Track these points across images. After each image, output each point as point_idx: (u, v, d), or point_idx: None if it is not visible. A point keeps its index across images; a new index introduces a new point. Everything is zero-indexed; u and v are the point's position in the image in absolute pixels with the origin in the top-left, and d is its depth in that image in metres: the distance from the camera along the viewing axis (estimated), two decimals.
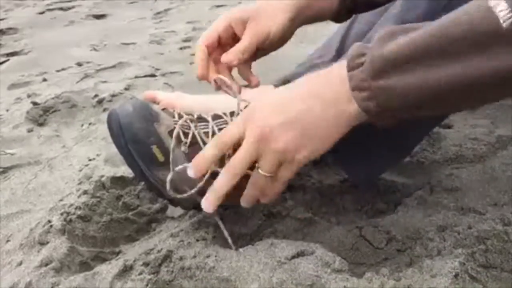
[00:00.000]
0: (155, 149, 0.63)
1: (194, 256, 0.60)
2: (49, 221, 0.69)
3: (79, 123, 1.11)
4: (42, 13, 2.34)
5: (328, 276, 0.54)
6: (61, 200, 0.77)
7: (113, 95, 1.20)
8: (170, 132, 0.64)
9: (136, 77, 1.36)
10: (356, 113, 0.53)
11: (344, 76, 0.53)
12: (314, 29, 1.65)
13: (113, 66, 1.48)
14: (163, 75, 1.38)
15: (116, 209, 0.74)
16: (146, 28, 1.91)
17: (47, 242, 0.66)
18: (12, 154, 0.99)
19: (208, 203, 0.58)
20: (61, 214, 0.70)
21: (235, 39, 0.73)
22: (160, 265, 0.60)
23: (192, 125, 0.65)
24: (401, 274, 0.56)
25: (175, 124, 0.65)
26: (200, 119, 0.67)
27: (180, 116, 0.67)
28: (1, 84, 1.43)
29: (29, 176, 0.90)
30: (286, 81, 0.94)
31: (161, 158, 0.63)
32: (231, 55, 0.70)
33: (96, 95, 1.20)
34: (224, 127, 0.63)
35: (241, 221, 0.69)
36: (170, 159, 0.60)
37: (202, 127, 0.66)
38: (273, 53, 1.55)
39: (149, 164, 0.63)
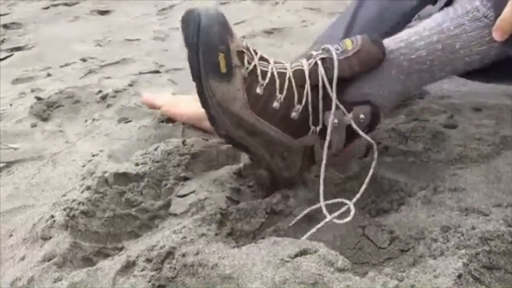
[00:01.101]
0: (221, 57, 0.64)
1: (197, 253, 0.60)
2: (52, 216, 0.69)
3: (83, 118, 1.11)
4: (46, 8, 2.34)
5: (331, 275, 0.54)
6: (64, 195, 0.77)
7: (117, 91, 1.20)
8: (238, 52, 0.66)
9: (140, 73, 1.36)
10: None
11: None
12: (318, 28, 1.64)
13: (117, 62, 1.48)
14: (167, 71, 1.38)
15: (119, 205, 0.73)
16: (151, 24, 1.91)
17: (50, 237, 0.66)
18: (16, 149, 0.99)
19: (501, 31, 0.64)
20: (64, 209, 0.70)
21: None
22: (162, 261, 0.60)
23: (256, 57, 0.68)
24: (404, 274, 0.55)
25: (244, 48, 0.68)
26: (262, 58, 0.70)
27: (247, 49, 0.69)
28: (5, 78, 1.43)
29: (32, 171, 0.90)
30: None
31: (223, 68, 0.65)
32: None
33: (100, 91, 1.20)
34: (283, 71, 0.68)
35: (243, 218, 0.69)
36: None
37: (262, 65, 0.69)
38: (278, 53, 1.54)
39: (209, 70, 0.65)
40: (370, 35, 0.70)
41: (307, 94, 0.69)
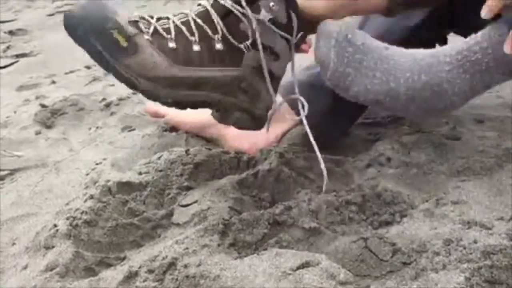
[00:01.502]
0: (116, 34, 0.64)
1: (199, 264, 0.60)
2: (55, 225, 0.70)
3: (87, 126, 1.12)
4: (51, 15, 2.35)
5: None
6: (67, 204, 0.78)
7: (120, 99, 1.20)
8: (131, 22, 0.65)
9: None
10: None
11: None
12: None
13: None
14: None
15: (122, 214, 0.74)
16: None
17: (53, 247, 0.66)
18: (19, 156, 0.99)
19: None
20: (67, 218, 0.70)
21: None
22: (164, 272, 0.60)
23: (152, 20, 0.67)
24: (406, 287, 0.55)
25: (136, 18, 0.67)
26: (160, 18, 0.70)
27: (141, 17, 0.69)
28: (10, 85, 1.44)
29: (36, 179, 0.90)
30: (289, 84, 0.94)
31: (124, 43, 0.64)
32: None
33: (104, 99, 1.21)
34: (185, 19, 0.69)
35: (246, 229, 0.69)
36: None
37: (162, 23, 0.68)
38: None
39: (112, 52, 0.64)
40: None
41: (218, 22, 0.70)
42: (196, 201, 0.75)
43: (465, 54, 0.73)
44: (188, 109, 0.93)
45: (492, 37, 0.72)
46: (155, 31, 0.68)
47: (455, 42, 0.77)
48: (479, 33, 0.74)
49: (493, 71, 0.73)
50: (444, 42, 0.98)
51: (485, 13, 0.69)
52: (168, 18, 0.70)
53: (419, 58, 0.75)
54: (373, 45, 0.75)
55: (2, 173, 0.93)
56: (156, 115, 1.01)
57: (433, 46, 1.00)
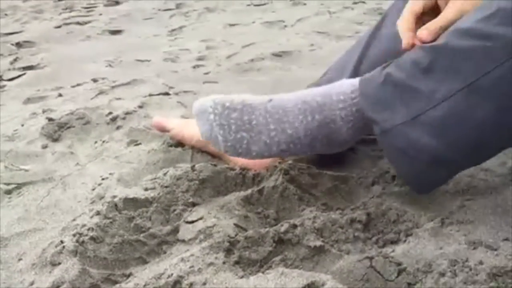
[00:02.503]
0: None
1: (204, 283, 0.60)
2: (62, 242, 0.70)
3: (93, 140, 1.12)
4: (59, 27, 2.38)
5: None
6: (73, 220, 0.78)
7: (126, 113, 1.21)
8: None
9: (150, 95, 1.38)
10: None
11: None
12: (326, 51, 1.66)
13: (128, 83, 1.50)
14: (177, 93, 1.39)
15: (128, 230, 0.74)
16: (161, 45, 1.94)
17: (59, 263, 0.67)
18: (26, 170, 1.00)
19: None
20: (74, 235, 0.70)
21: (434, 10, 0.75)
22: None
23: None
24: None
25: None
26: None
27: None
28: (17, 98, 1.46)
29: (42, 193, 0.91)
30: None
31: None
32: (431, 32, 0.71)
33: (110, 113, 1.22)
34: None
35: (251, 247, 0.69)
36: None
37: None
38: (287, 76, 1.56)
39: None
40: None
41: None
42: (201, 218, 0.76)
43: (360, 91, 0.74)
44: (195, 128, 0.94)
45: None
46: None
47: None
48: (377, 69, 0.74)
49: None
50: None
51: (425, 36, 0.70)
52: None
53: (309, 100, 0.76)
54: (255, 103, 0.77)
55: (9, 187, 0.93)
56: (162, 129, 1.02)
57: None
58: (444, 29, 0.70)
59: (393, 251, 0.67)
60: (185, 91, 1.41)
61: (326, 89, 0.77)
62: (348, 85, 0.76)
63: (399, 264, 0.63)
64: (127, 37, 2.16)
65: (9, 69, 1.77)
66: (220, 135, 0.77)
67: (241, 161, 0.90)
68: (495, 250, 0.64)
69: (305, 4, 2.39)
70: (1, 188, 0.92)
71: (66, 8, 2.75)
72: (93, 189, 0.88)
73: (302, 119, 0.75)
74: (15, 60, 1.88)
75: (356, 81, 0.75)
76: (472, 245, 0.65)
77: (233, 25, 2.16)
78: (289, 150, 0.77)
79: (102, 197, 0.83)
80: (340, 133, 0.75)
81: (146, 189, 0.83)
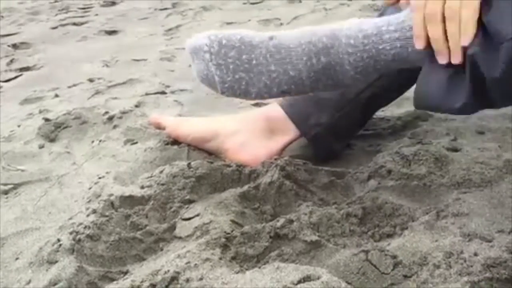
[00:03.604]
0: None
1: (201, 279, 0.60)
2: (58, 240, 0.70)
3: (90, 139, 1.12)
4: (55, 28, 2.37)
5: None
6: (70, 218, 0.78)
7: (123, 112, 1.21)
8: None
9: (146, 94, 1.38)
10: None
11: None
12: None
13: (124, 83, 1.50)
14: (173, 92, 1.39)
15: (124, 228, 0.74)
16: (157, 45, 1.94)
17: (56, 261, 0.67)
18: (23, 171, 1.00)
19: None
20: (70, 233, 0.71)
21: None
22: (167, 286, 0.61)
23: None
24: None
25: None
26: None
27: None
28: (14, 99, 1.46)
29: (39, 193, 0.91)
30: (292, 98, 0.95)
31: None
32: None
33: (106, 112, 1.22)
34: None
35: (247, 242, 0.70)
36: None
37: None
38: None
39: None
40: None
41: None
42: (198, 215, 0.76)
43: (373, 40, 0.69)
44: (191, 126, 0.94)
45: (407, 31, 0.68)
46: None
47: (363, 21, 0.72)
48: (393, 21, 0.69)
49: (395, 65, 0.70)
50: None
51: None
52: None
53: (315, 40, 0.71)
54: (255, 40, 0.71)
55: (6, 187, 0.93)
56: (158, 127, 1.02)
57: None
58: None
59: (388, 244, 0.68)
60: (181, 90, 1.41)
61: (333, 30, 0.72)
62: (356, 29, 0.71)
63: (394, 257, 0.64)
64: (123, 37, 2.15)
65: (5, 71, 1.77)
66: (217, 76, 0.72)
67: (237, 157, 0.90)
68: (490, 242, 0.64)
69: (300, 1, 2.39)
70: None
71: (62, 9, 2.75)
72: (90, 188, 0.88)
73: (306, 60, 0.70)
74: (11, 61, 1.88)
75: (372, 28, 0.70)
76: (467, 237, 0.66)
77: (230, 23, 2.15)
78: (290, 91, 0.73)
79: (98, 196, 0.83)
80: (346, 76, 0.71)
81: (142, 187, 0.83)
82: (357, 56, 0.70)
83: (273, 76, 0.71)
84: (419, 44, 0.67)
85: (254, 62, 0.71)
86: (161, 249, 0.73)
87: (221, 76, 0.71)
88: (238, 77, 0.71)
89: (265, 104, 1.04)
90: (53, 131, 1.15)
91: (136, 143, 1.04)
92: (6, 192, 0.92)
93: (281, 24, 2.07)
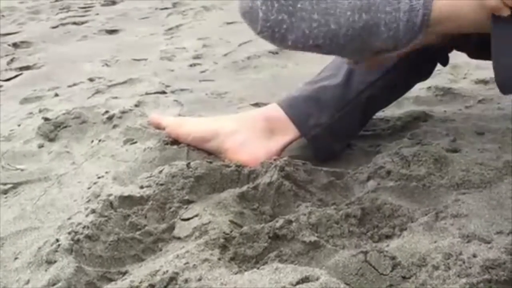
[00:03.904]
0: None
1: (199, 279, 0.60)
2: (57, 240, 0.70)
3: (89, 139, 1.12)
4: (55, 27, 2.37)
5: None
6: (69, 218, 0.78)
7: (123, 112, 1.21)
8: None
9: (146, 93, 1.38)
10: None
11: None
12: None
13: (124, 82, 1.50)
14: (173, 92, 1.39)
15: (123, 228, 0.74)
16: (158, 44, 1.94)
17: (55, 261, 0.67)
18: (22, 170, 1.00)
19: None
20: (69, 233, 0.70)
21: None
22: (165, 287, 0.61)
23: None
24: None
25: None
26: None
27: None
28: (14, 98, 1.46)
29: (38, 193, 0.91)
30: (292, 98, 0.95)
31: None
32: None
33: (106, 111, 1.22)
34: None
35: (246, 243, 0.70)
36: None
37: None
38: (283, 74, 1.56)
39: None
40: None
41: None
42: (197, 215, 0.76)
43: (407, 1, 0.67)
44: (191, 126, 0.94)
45: None
46: None
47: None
48: None
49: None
50: (446, 61, 0.99)
51: None
52: None
53: None
54: None
55: (5, 187, 0.94)
56: (158, 127, 1.02)
57: (435, 64, 1.00)
58: None
59: (387, 245, 0.68)
60: (181, 90, 1.41)
61: None
62: None
63: (393, 258, 0.64)
64: (123, 37, 2.15)
65: (5, 70, 1.77)
66: (261, 11, 0.68)
67: (236, 157, 0.90)
68: (489, 243, 0.64)
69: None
70: None
71: (63, 8, 2.75)
72: (89, 188, 0.88)
73: (349, 15, 0.67)
74: (12, 60, 1.88)
75: None
76: (466, 238, 0.65)
77: (230, 23, 2.15)
78: (324, 47, 0.70)
79: (97, 196, 0.83)
80: (378, 39, 0.69)
81: (141, 187, 0.83)
82: (392, 16, 0.67)
83: (313, 26, 0.68)
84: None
85: (299, 5, 0.68)
86: (160, 250, 0.73)
87: (265, 12, 0.68)
88: (280, 18, 0.68)
89: (264, 104, 1.05)
90: (52, 130, 1.15)
91: (136, 142, 1.04)
92: (5, 192, 0.93)
93: None
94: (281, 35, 0.69)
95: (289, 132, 0.92)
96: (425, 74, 1.01)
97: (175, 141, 0.97)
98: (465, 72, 1.33)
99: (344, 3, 0.68)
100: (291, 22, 0.68)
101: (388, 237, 0.71)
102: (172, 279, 0.62)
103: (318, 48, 0.71)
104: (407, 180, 0.81)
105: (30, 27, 2.44)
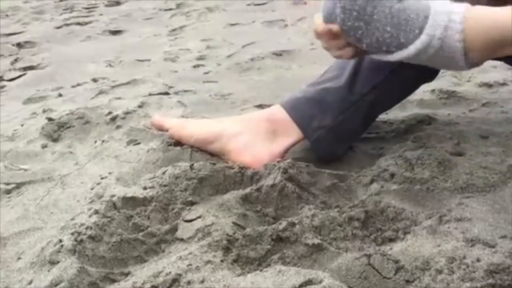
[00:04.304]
0: None
1: (202, 281, 0.60)
2: (60, 240, 0.70)
3: (93, 139, 1.13)
4: (59, 27, 2.38)
5: None
6: (72, 219, 0.78)
7: (126, 113, 1.21)
8: None
9: (150, 94, 1.38)
10: None
11: None
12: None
13: (128, 83, 1.50)
14: (176, 93, 1.39)
15: (126, 229, 0.74)
16: (161, 45, 1.94)
17: (58, 262, 0.67)
18: (26, 170, 1.00)
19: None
20: (72, 233, 0.70)
21: None
22: None
23: None
24: None
25: None
26: None
27: None
28: (17, 98, 1.46)
29: (42, 193, 0.91)
30: (295, 99, 0.95)
31: None
32: None
33: (109, 112, 1.22)
34: None
35: (249, 245, 0.70)
36: None
37: None
38: (287, 75, 1.56)
39: None
40: None
41: None
42: (200, 216, 0.76)
43: None
44: (194, 128, 0.94)
45: None
46: None
47: None
48: None
49: None
50: None
51: None
52: None
53: (430, 13, 0.72)
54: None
55: (9, 187, 0.94)
56: (161, 128, 1.02)
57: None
58: None
59: (391, 248, 0.68)
60: (185, 91, 1.41)
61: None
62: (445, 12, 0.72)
63: (397, 261, 0.63)
64: (127, 37, 2.16)
65: (9, 70, 1.78)
66: (339, 18, 0.76)
67: (240, 159, 0.90)
68: (493, 247, 0.64)
69: (305, 3, 2.39)
70: (0, 188, 0.93)
71: (67, 9, 2.76)
72: (92, 189, 0.88)
73: (417, 34, 0.73)
74: (15, 60, 1.89)
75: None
76: (470, 242, 0.65)
77: (234, 24, 2.16)
78: (393, 54, 0.76)
79: (101, 196, 0.83)
80: (453, 64, 0.74)
81: (144, 188, 0.83)
82: (448, 38, 0.72)
83: (385, 36, 0.75)
84: None
85: (375, 17, 0.74)
86: (163, 251, 0.73)
87: (343, 19, 0.75)
88: (357, 25, 0.75)
89: (268, 106, 1.04)
90: (56, 130, 1.15)
91: (139, 143, 1.04)
92: (8, 192, 0.93)
93: (286, 25, 2.07)
94: (357, 38, 0.76)
95: (292, 134, 0.92)
96: (430, 76, 1.01)
97: (178, 142, 0.97)
98: (469, 75, 1.33)
99: (413, 21, 0.73)
100: (366, 30, 0.75)
101: (392, 240, 0.71)
102: (175, 280, 0.62)
103: (386, 54, 0.77)
104: (410, 183, 0.81)
105: (34, 27, 2.45)
